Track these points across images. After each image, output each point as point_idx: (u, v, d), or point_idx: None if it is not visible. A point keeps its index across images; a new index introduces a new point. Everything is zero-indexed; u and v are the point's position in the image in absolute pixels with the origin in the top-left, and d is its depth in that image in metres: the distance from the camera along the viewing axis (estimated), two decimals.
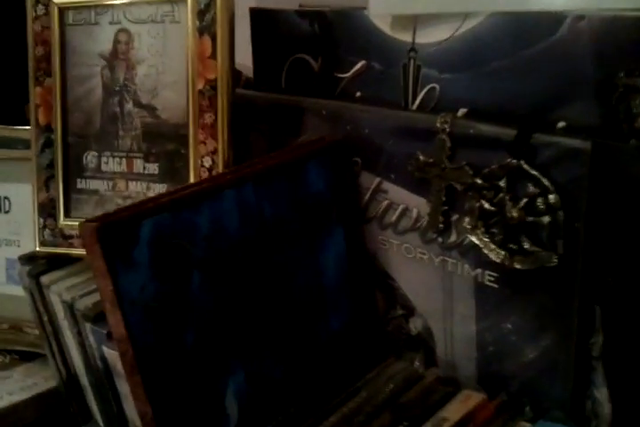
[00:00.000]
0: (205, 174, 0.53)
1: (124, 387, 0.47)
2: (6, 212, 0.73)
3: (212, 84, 0.52)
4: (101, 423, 0.58)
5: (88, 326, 0.50)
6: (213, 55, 0.51)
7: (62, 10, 0.56)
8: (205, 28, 0.51)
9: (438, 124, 0.46)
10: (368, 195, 0.54)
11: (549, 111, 0.44)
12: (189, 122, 0.53)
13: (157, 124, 0.55)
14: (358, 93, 0.57)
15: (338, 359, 0.54)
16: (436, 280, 0.51)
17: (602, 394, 0.45)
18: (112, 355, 0.46)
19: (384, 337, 0.57)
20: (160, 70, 0.54)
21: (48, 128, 0.57)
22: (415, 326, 0.54)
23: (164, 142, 0.55)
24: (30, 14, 0.56)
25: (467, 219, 0.46)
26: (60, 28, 0.56)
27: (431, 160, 0.47)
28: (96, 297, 0.53)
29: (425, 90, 0.51)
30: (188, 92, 0.53)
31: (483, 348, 0.50)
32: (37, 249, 0.59)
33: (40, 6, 0.56)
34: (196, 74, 0.52)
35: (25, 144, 0.71)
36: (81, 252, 0.57)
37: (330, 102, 0.55)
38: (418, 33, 0.51)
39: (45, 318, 0.58)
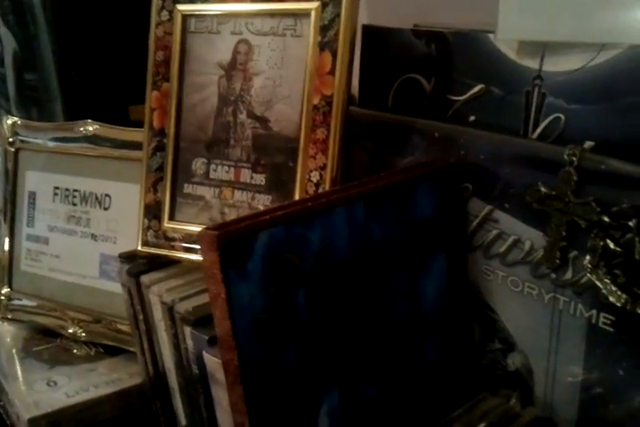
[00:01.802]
0: (312, 189, 0.53)
1: (219, 394, 0.47)
2: (106, 208, 0.75)
3: (328, 100, 0.51)
4: (185, 425, 0.58)
5: (188, 329, 0.51)
6: (332, 71, 0.51)
7: (185, 17, 0.57)
8: (327, 43, 0.51)
9: (566, 157, 0.44)
10: (476, 222, 0.52)
11: None
12: (301, 136, 0.53)
13: (268, 136, 0.55)
14: (472, 117, 0.55)
15: (431, 388, 0.53)
16: (543, 317, 0.49)
17: None
18: (212, 361, 0.46)
19: (478, 370, 0.55)
20: (277, 83, 0.54)
21: (161, 132, 0.58)
22: (513, 361, 0.52)
23: (273, 154, 0.55)
24: (154, 19, 0.58)
25: (588, 257, 0.44)
26: (182, 34, 0.57)
27: (554, 193, 0.45)
28: (197, 301, 0.53)
29: (548, 119, 0.49)
30: (302, 106, 0.53)
31: (587, 392, 0.47)
32: (139, 248, 0.60)
33: (164, 12, 0.57)
34: (313, 89, 0.52)
35: (125, 145, 0.74)
36: (182, 255, 0.58)
37: (444, 125, 0.54)
38: (546, 60, 0.49)
39: (141, 317, 0.59)
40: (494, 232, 0.51)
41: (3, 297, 0.83)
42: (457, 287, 0.53)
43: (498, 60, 0.52)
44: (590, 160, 0.43)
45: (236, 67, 0.56)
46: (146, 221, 0.59)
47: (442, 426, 0.49)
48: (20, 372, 0.71)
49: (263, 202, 0.55)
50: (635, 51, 0.43)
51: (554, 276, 0.47)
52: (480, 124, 0.54)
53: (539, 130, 0.50)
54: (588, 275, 0.44)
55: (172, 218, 0.59)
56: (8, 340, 0.78)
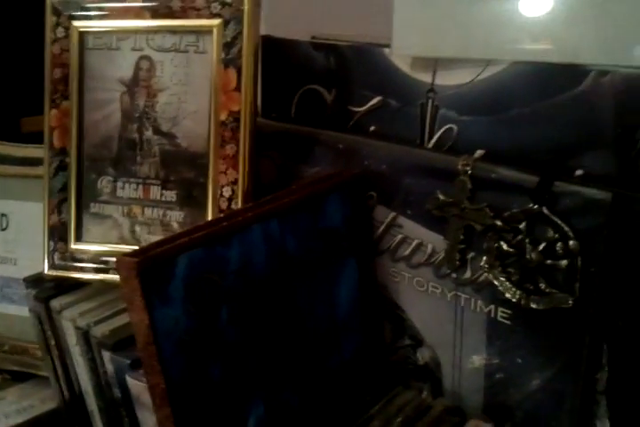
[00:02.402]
0: (225, 204, 0.54)
1: (145, 416, 0.47)
2: (3, 229, 0.72)
3: (236, 116, 0.53)
4: None
5: (107, 354, 0.50)
6: (238, 87, 0.52)
7: (82, 33, 0.55)
8: (231, 60, 0.52)
9: (460, 167, 0.48)
10: (382, 228, 0.55)
11: (568, 159, 0.46)
12: (210, 152, 0.54)
13: (177, 153, 0.55)
14: (372, 128, 0.58)
15: (348, 388, 0.55)
16: (447, 314, 0.53)
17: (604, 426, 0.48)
18: (136, 385, 0.46)
19: (391, 366, 0.58)
20: (182, 99, 0.54)
21: (62, 151, 0.57)
22: (422, 356, 0.56)
23: (183, 170, 0.55)
24: (49, 36, 0.56)
25: (484, 258, 0.48)
26: (80, 51, 0.56)
27: (451, 200, 0.49)
28: (112, 324, 0.53)
29: (442, 130, 0.53)
30: (209, 122, 0.54)
31: (490, 379, 0.52)
32: (46, 272, 0.58)
33: (60, 29, 0.56)
34: (220, 105, 0.53)
35: (21, 161, 0.71)
36: (92, 276, 0.57)
37: (347, 136, 0.56)
38: (438, 74, 0.53)
39: (52, 342, 0.58)
40: (399, 237, 0.54)
41: None
42: (367, 290, 0.56)
43: (393, 74, 0.55)
44: (482, 169, 0.47)
45: (138, 83, 0.55)
46: (51, 243, 0.58)
47: (361, 424, 0.52)
48: None
49: (175, 218, 0.56)
50: (518, 66, 0.48)
51: (454, 275, 0.51)
52: (380, 135, 0.57)
53: (434, 140, 0.54)
54: (486, 274, 0.48)
55: (79, 239, 0.57)
56: None
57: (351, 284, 0.55)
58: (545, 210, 0.44)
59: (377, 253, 0.56)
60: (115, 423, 0.54)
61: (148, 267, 0.40)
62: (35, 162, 0.70)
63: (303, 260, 0.51)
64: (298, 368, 0.51)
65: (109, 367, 0.51)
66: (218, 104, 0.53)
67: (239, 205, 0.53)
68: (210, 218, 0.54)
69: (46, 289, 0.58)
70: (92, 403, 0.57)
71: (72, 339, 0.55)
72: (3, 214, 0.72)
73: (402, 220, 0.53)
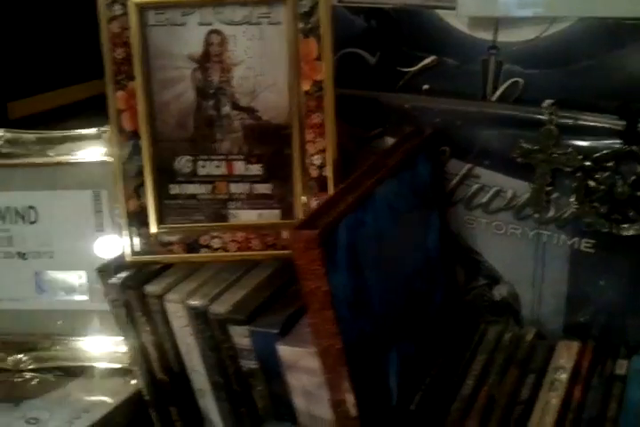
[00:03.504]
0: (316, 172, 0.55)
1: (300, 380, 0.49)
2: (32, 222, 0.68)
3: (320, 86, 0.53)
4: (221, 421, 0.59)
5: (238, 328, 0.51)
6: (319, 57, 0.53)
7: (142, 9, 0.53)
8: (311, 30, 0.53)
9: (546, 116, 0.53)
10: (456, 180, 0.59)
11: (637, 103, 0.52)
12: (294, 122, 0.54)
13: (259, 126, 0.55)
14: (426, 86, 0.61)
15: (442, 331, 0.60)
16: (527, 251, 0.58)
17: None
18: (291, 351, 0.48)
19: (466, 306, 0.64)
20: (259, 72, 0.54)
21: (134, 134, 0.55)
22: (499, 292, 0.62)
23: (267, 143, 0.55)
24: (105, 14, 0.53)
25: (574, 196, 0.54)
26: (141, 28, 0.53)
27: (536, 147, 0.54)
28: (228, 300, 0.54)
29: (507, 84, 0.57)
30: (290, 93, 0.54)
31: (572, 303, 0.58)
32: (129, 259, 0.57)
33: (117, 6, 0.53)
34: (302, 75, 0.53)
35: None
36: (183, 256, 0.57)
37: (415, 97, 0.59)
38: (500, 32, 0.56)
39: (147, 328, 0.57)
40: (475, 186, 0.58)
41: None
42: (446, 238, 0.61)
43: (449, 34, 0.58)
44: (567, 116, 0.53)
45: (210, 59, 0.54)
46: (133, 228, 0.56)
47: (468, 361, 0.57)
48: None
49: (262, 191, 0.56)
50: (584, 22, 0.52)
51: (537, 215, 0.56)
52: (434, 92, 0.61)
53: (497, 94, 0.58)
54: (573, 210, 0.54)
55: (161, 222, 0.56)
56: None
57: (435, 234, 0.59)
58: (635, 148, 0.50)
59: (451, 203, 0.60)
60: (234, 396, 0.56)
61: (324, 237, 0.42)
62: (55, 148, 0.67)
63: (408, 215, 0.54)
64: (412, 318, 0.55)
65: (241, 341, 0.51)
66: (300, 74, 0.53)
67: (330, 173, 0.55)
68: (299, 188, 0.55)
69: (134, 276, 0.57)
70: (202, 381, 0.57)
71: (181, 321, 0.55)
72: (30, 207, 0.68)
73: (478, 170, 0.58)
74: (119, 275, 0.57)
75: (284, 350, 0.49)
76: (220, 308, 0.53)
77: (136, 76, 0.54)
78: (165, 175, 0.56)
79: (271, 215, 0.57)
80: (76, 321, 0.69)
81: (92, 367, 0.69)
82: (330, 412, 0.48)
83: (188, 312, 0.54)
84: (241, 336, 0.52)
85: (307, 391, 0.49)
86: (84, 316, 0.69)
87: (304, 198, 0.55)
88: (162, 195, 0.56)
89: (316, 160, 0.55)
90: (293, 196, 0.56)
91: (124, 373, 0.68)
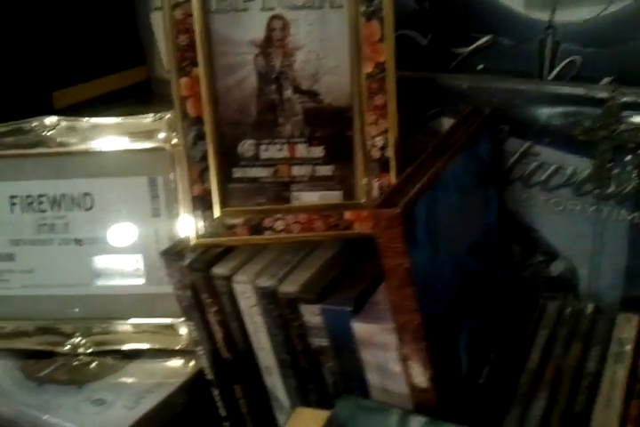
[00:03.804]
0: (378, 153, 0.56)
1: (375, 356, 0.50)
2: (88, 209, 0.70)
3: (382, 67, 0.54)
4: (287, 399, 0.60)
5: (309, 307, 0.52)
6: (381, 38, 0.54)
7: None
8: (374, 12, 0.53)
9: (607, 93, 0.53)
10: (514, 158, 0.60)
11: None
12: (355, 104, 0.55)
13: (320, 109, 0.56)
14: (480, 66, 0.62)
15: (503, 307, 0.62)
16: (586, 227, 0.59)
17: None
18: (366, 328, 0.49)
19: (523, 282, 0.65)
20: (320, 56, 0.55)
21: (198, 120, 0.55)
22: (557, 268, 0.63)
23: (328, 125, 0.56)
24: (169, 2, 0.53)
25: (635, 171, 0.54)
26: (203, 15, 0.54)
27: (598, 124, 0.54)
28: (296, 280, 0.55)
29: (564, 63, 0.58)
30: (352, 75, 0.55)
31: (630, 276, 0.59)
32: (194, 242, 0.58)
33: None
34: (365, 57, 0.54)
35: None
36: (248, 238, 0.57)
37: (473, 77, 0.60)
38: (558, 12, 0.57)
39: (214, 309, 0.58)
40: (534, 164, 0.59)
41: None
42: (503, 216, 0.62)
43: (504, 14, 0.59)
44: (627, 94, 0.53)
45: (272, 44, 0.55)
46: (198, 212, 0.57)
47: (531, 336, 0.58)
48: (51, 400, 0.65)
49: (325, 173, 0.57)
50: None
51: (597, 191, 0.57)
52: (489, 72, 0.61)
53: (554, 72, 0.58)
54: (636, 185, 0.55)
55: (225, 205, 0.57)
56: (1, 373, 0.70)
57: (494, 212, 0.60)
58: None
59: (508, 181, 0.61)
60: (302, 373, 0.57)
61: (405, 215, 0.43)
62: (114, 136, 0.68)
63: (472, 193, 0.55)
64: (476, 294, 0.56)
65: (312, 319, 0.53)
66: (362, 57, 0.54)
67: (392, 154, 0.56)
68: (361, 169, 0.56)
69: (199, 258, 0.58)
70: (269, 359, 0.59)
71: (249, 301, 0.56)
72: (86, 193, 0.69)
73: (537, 148, 0.59)
74: (184, 258, 0.59)
75: (359, 327, 0.50)
76: (290, 287, 0.54)
77: (199, 62, 0.54)
78: (228, 159, 0.57)
79: (333, 197, 0.58)
80: (132, 305, 0.71)
81: (149, 350, 0.71)
82: (405, 386, 0.50)
83: (257, 292, 0.55)
84: (312, 315, 0.53)
85: (381, 367, 0.50)
86: (141, 299, 0.70)
87: (366, 180, 0.56)
88: (225, 179, 0.57)
89: (378, 141, 0.56)
90: (355, 177, 0.57)
91: (181, 354, 0.70)
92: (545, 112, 0.57)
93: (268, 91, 0.56)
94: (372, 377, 0.52)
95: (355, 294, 0.52)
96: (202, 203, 0.57)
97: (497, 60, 0.60)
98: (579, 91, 0.56)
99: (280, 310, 0.55)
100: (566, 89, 0.56)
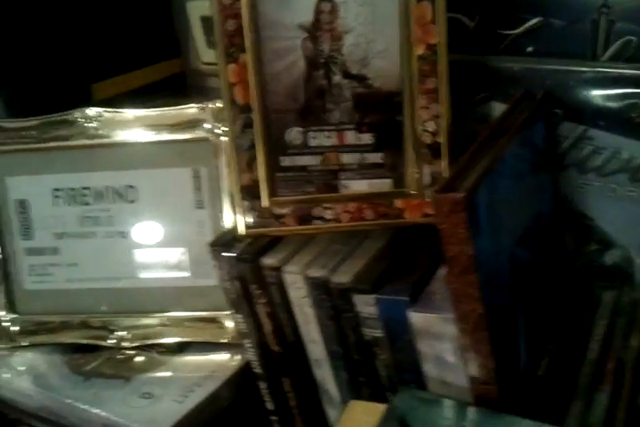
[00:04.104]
0: (429, 139, 0.54)
1: (432, 346, 0.49)
2: (132, 201, 0.69)
3: (434, 49, 0.53)
4: (337, 391, 0.59)
5: (364, 297, 0.51)
6: (433, 20, 0.52)
7: None
8: None
9: None
10: (568, 143, 0.58)
11: None
12: (406, 88, 0.54)
13: (369, 94, 0.54)
14: (530, 48, 0.60)
15: (558, 297, 0.60)
16: None
17: None
18: (424, 318, 0.48)
19: (576, 272, 0.63)
20: (369, 38, 0.53)
21: (246, 107, 0.54)
22: (611, 257, 0.61)
23: (378, 111, 0.55)
24: None
25: None
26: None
27: None
28: (348, 271, 0.53)
29: (619, 43, 0.56)
30: (402, 58, 0.53)
31: None
32: (242, 233, 0.57)
33: None
34: (416, 39, 0.52)
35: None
36: (296, 228, 0.56)
37: (524, 59, 0.58)
38: None
39: (262, 301, 0.58)
40: (589, 149, 0.57)
41: (6, 324, 0.73)
42: (557, 203, 0.60)
43: None
44: None
45: (320, 27, 0.53)
46: (245, 202, 0.56)
47: (589, 327, 0.57)
48: (99, 393, 0.65)
49: (374, 160, 0.56)
50: None
51: None
52: (539, 54, 0.59)
53: (609, 53, 0.56)
54: None
55: (273, 194, 0.56)
56: (46, 367, 0.70)
57: (549, 199, 0.59)
58: None
59: (562, 167, 0.59)
60: (353, 365, 0.56)
61: (468, 200, 0.41)
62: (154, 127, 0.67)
63: (528, 180, 0.53)
64: (533, 283, 0.54)
65: (366, 310, 0.51)
66: (413, 39, 0.53)
67: (444, 140, 0.54)
68: (412, 156, 0.55)
69: (247, 249, 0.57)
70: (319, 351, 0.58)
71: (299, 292, 0.55)
72: (130, 186, 0.69)
73: (593, 132, 0.57)
74: (232, 249, 0.58)
75: (416, 317, 0.48)
76: (342, 278, 0.53)
77: (247, 47, 0.53)
78: (276, 148, 0.56)
79: (382, 185, 0.56)
80: (177, 298, 0.70)
81: (194, 344, 0.71)
82: (464, 378, 0.48)
83: (308, 283, 0.54)
84: (365, 305, 0.52)
85: (438, 358, 0.49)
86: (186, 292, 0.70)
87: (416, 167, 0.55)
88: (273, 167, 0.56)
89: (430, 127, 0.54)
90: (405, 164, 0.56)
91: (227, 348, 0.69)
92: (600, 94, 0.55)
93: (316, 76, 0.54)
94: (429, 369, 0.50)
95: (410, 284, 0.51)
96: (250, 192, 0.56)
97: (547, 42, 0.58)
98: (636, 71, 0.54)
99: (332, 300, 0.54)
100: (623, 70, 0.54)
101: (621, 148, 0.56)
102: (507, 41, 0.60)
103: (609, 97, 0.55)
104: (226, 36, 0.53)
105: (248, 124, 0.55)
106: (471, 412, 0.47)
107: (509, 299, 0.49)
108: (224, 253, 0.57)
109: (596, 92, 0.55)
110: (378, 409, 0.51)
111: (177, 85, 0.90)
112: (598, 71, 0.55)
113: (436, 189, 0.42)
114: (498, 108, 0.60)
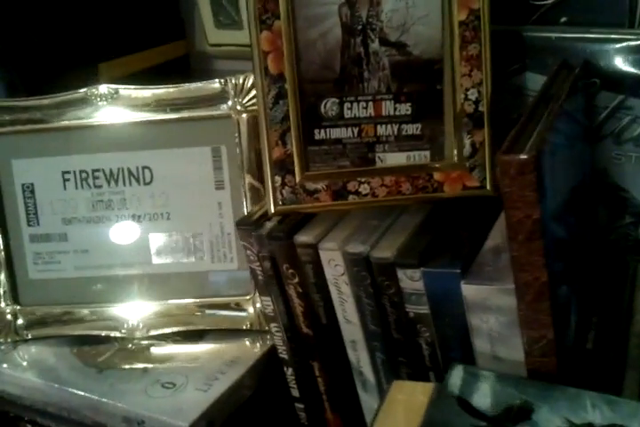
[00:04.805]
0: (471, 107, 0.53)
1: (486, 320, 0.47)
2: (147, 183, 0.66)
3: (477, 14, 0.51)
4: (373, 374, 0.57)
5: (408, 272, 0.49)
6: None
7: None
8: None
9: None
10: (605, 113, 0.57)
11: None
12: (447, 55, 0.52)
13: (408, 62, 0.52)
14: (564, 19, 0.59)
15: (595, 270, 0.59)
16: None
17: None
18: (477, 290, 0.46)
19: (609, 245, 0.62)
20: (409, 4, 0.51)
21: (280, 77, 0.52)
22: None
23: (417, 80, 0.53)
24: None
25: None
26: None
27: None
28: (389, 246, 0.51)
29: None
30: (444, 24, 0.51)
31: None
32: (274, 210, 0.54)
33: None
34: (458, 4, 0.51)
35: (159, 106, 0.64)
36: (331, 203, 0.54)
37: (560, 28, 0.57)
38: None
39: (295, 281, 0.55)
40: (627, 119, 0.56)
41: (9, 316, 0.69)
42: (593, 174, 0.59)
43: None
44: None
45: None
46: (278, 178, 0.54)
47: (630, 299, 0.55)
48: (116, 385, 0.61)
49: (412, 131, 0.54)
50: None
51: None
52: (573, 24, 0.58)
53: None
54: None
55: (306, 169, 0.54)
56: (54, 361, 0.66)
57: (588, 170, 0.57)
58: None
59: (598, 138, 0.58)
60: (392, 345, 0.54)
61: (537, 161, 0.39)
62: (170, 105, 0.64)
63: (574, 148, 0.52)
64: (577, 254, 0.53)
65: (411, 285, 0.49)
66: (455, 3, 0.51)
67: (486, 108, 0.53)
68: (452, 126, 0.53)
69: (278, 227, 0.55)
70: (356, 332, 0.55)
71: (337, 269, 0.53)
72: (145, 167, 0.65)
73: (632, 101, 0.56)
74: (262, 227, 0.55)
75: (470, 290, 0.46)
76: (385, 253, 0.50)
77: (281, 13, 0.51)
78: (311, 120, 0.53)
79: (420, 157, 0.54)
80: (195, 283, 0.67)
81: (212, 331, 0.68)
82: (520, 352, 0.47)
83: (346, 259, 0.52)
84: (411, 280, 0.49)
85: (492, 332, 0.47)
86: (204, 277, 0.67)
87: (457, 136, 0.53)
88: (307, 141, 0.54)
89: (472, 95, 0.52)
90: (444, 135, 0.54)
91: (248, 334, 0.67)
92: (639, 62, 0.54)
93: (352, 44, 0.52)
94: (481, 344, 0.48)
95: (460, 256, 0.49)
96: (282, 167, 0.54)
97: (581, 12, 0.57)
98: None
99: (373, 277, 0.51)
100: None
101: None
102: (540, 11, 0.59)
103: None
104: (259, 1, 0.51)
105: (281, 95, 0.52)
106: (531, 385, 0.45)
107: (561, 268, 0.47)
108: (253, 233, 0.55)
109: (635, 61, 0.54)
110: (426, 388, 0.49)
111: (180, 69, 0.87)
112: (637, 39, 0.54)
113: (501, 150, 0.40)
114: (532, 80, 0.58)
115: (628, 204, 0.60)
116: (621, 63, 0.55)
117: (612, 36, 0.55)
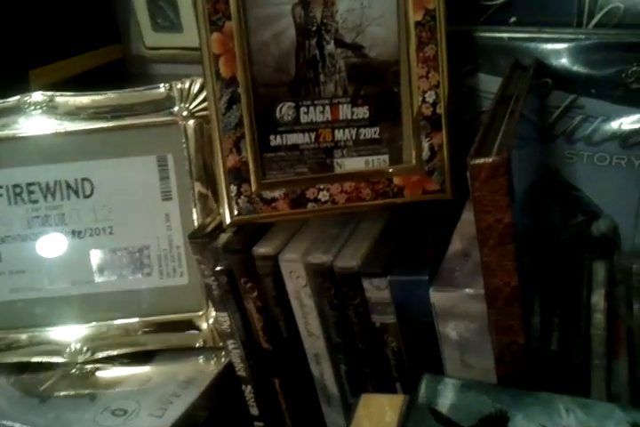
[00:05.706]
0: (429, 110, 0.52)
1: (456, 326, 0.46)
2: (87, 196, 0.62)
3: (433, 15, 0.50)
4: (337, 387, 0.55)
5: (374, 281, 0.47)
6: None
7: None
8: None
9: None
10: (557, 113, 0.57)
11: None
12: (403, 57, 0.51)
13: (365, 64, 0.51)
14: (513, 19, 0.59)
15: (549, 269, 0.59)
16: (632, 180, 0.57)
17: None
18: (445, 297, 0.45)
19: (562, 244, 0.62)
20: (365, 4, 0.50)
21: (232, 81, 0.49)
22: (598, 228, 0.61)
23: (374, 83, 0.51)
24: None
25: None
26: None
27: None
28: (353, 255, 0.49)
29: (605, 10, 0.55)
30: (400, 24, 0.50)
31: None
32: (230, 221, 0.52)
33: None
34: (414, 4, 0.50)
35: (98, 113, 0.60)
36: (289, 212, 0.52)
37: (511, 28, 0.57)
38: None
39: (254, 295, 0.52)
40: (578, 118, 0.57)
41: None
42: (544, 174, 0.59)
43: None
44: None
45: None
46: (233, 187, 0.51)
47: (588, 298, 0.56)
48: (61, 416, 0.57)
49: (370, 135, 0.52)
50: None
51: None
52: (524, 25, 0.58)
53: (595, 20, 0.56)
54: None
55: (262, 177, 0.51)
56: None
57: (542, 170, 0.57)
58: None
59: (550, 138, 0.58)
60: (357, 357, 0.52)
61: (507, 164, 0.38)
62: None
63: (531, 149, 0.52)
64: (537, 256, 0.53)
65: (377, 295, 0.47)
66: (411, 4, 0.50)
67: (443, 110, 0.52)
68: (410, 129, 0.52)
69: (235, 239, 0.52)
70: (319, 345, 0.53)
71: (298, 282, 0.50)
72: (84, 179, 0.61)
73: (583, 100, 0.56)
74: (216, 240, 0.53)
75: (439, 297, 0.45)
76: (348, 262, 0.48)
77: (232, 14, 0.48)
78: (266, 125, 0.51)
79: (379, 162, 0.53)
80: (142, 302, 0.63)
81: (162, 351, 0.64)
82: (489, 358, 0.46)
83: (308, 271, 0.49)
84: (376, 290, 0.48)
85: (462, 339, 0.46)
86: (151, 295, 0.63)
87: (415, 140, 0.52)
88: (262, 147, 0.51)
89: (429, 97, 0.51)
90: (403, 138, 0.53)
91: (200, 353, 0.64)
92: (590, 61, 0.55)
93: (307, 45, 0.50)
94: (450, 352, 0.47)
95: (426, 263, 0.48)
96: (237, 176, 0.51)
97: (530, 12, 0.57)
98: (625, 38, 0.53)
99: (336, 288, 0.49)
100: (612, 36, 0.54)
101: (612, 115, 0.56)
102: (489, 12, 0.59)
103: (600, 64, 0.54)
104: (208, 1, 0.48)
105: (234, 100, 0.50)
106: (503, 392, 0.44)
107: (527, 270, 0.47)
108: (207, 246, 0.52)
109: (587, 60, 0.55)
110: (396, 400, 0.47)
111: (116, 74, 0.82)
112: (587, 38, 0.55)
113: (470, 154, 0.39)
114: (484, 81, 0.58)
115: (581, 202, 0.60)
116: (572, 63, 0.55)
117: (564, 36, 0.55)
